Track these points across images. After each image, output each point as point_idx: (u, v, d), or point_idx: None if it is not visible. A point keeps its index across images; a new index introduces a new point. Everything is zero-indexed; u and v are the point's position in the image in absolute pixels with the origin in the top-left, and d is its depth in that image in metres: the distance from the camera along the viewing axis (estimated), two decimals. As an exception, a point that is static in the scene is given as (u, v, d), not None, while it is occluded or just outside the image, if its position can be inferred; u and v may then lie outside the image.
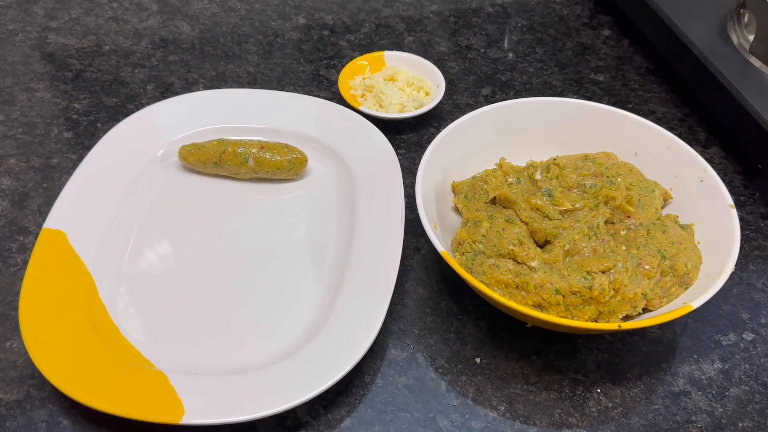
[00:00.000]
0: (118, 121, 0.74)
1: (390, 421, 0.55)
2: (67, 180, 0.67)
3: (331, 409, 0.55)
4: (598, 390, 0.57)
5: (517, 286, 0.56)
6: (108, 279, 0.61)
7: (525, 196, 0.60)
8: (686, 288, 0.58)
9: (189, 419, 0.50)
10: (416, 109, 0.77)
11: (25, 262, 0.62)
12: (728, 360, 0.59)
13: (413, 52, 0.85)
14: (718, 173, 0.63)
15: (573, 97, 0.80)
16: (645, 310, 0.58)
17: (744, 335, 0.61)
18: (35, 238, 0.64)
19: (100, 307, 0.59)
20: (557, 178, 0.62)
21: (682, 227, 0.61)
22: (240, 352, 0.56)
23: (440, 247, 0.56)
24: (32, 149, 0.76)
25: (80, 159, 0.70)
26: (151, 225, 0.67)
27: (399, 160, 0.69)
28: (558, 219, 0.59)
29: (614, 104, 0.79)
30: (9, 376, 0.57)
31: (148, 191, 0.69)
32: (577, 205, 0.60)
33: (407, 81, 0.81)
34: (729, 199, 0.60)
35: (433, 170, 0.63)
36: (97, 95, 0.82)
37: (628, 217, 0.60)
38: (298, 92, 0.81)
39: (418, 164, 0.63)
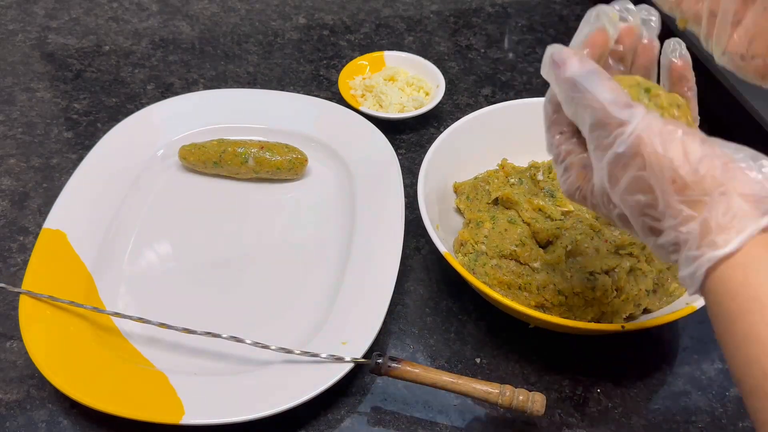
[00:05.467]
0: (118, 121, 0.74)
1: (390, 421, 0.55)
2: (67, 180, 0.67)
3: (331, 409, 0.55)
4: (598, 390, 0.57)
5: (519, 287, 0.56)
6: (108, 279, 0.61)
7: (527, 196, 0.60)
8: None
9: (189, 419, 0.50)
10: (416, 109, 0.77)
11: (25, 262, 0.62)
12: (728, 360, 0.59)
13: (413, 52, 0.85)
14: (719, 173, 0.62)
15: (573, 98, 0.80)
16: (647, 310, 0.58)
17: (744, 335, 0.61)
18: (35, 238, 0.64)
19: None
20: (558, 178, 0.62)
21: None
22: (240, 352, 0.56)
23: (443, 249, 0.56)
24: (32, 149, 0.76)
25: (80, 159, 0.70)
26: (151, 225, 0.67)
27: (399, 160, 0.69)
28: (560, 219, 0.59)
29: (614, 104, 0.78)
30: (9, 376, 0.57)
31: (148, 191, 0.69)
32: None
33: (407, 81, 0.81)
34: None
35: (435, 171, 0.63)
36: (97, 95, 0.82)
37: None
38: (298, 92, 0.81)
39: (418, 164, 0.63)
